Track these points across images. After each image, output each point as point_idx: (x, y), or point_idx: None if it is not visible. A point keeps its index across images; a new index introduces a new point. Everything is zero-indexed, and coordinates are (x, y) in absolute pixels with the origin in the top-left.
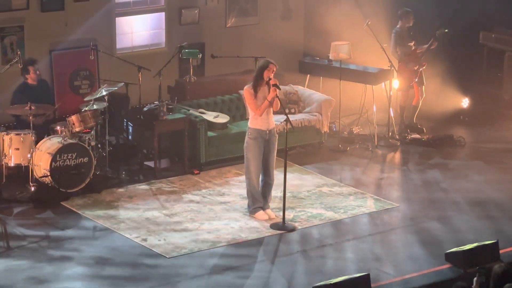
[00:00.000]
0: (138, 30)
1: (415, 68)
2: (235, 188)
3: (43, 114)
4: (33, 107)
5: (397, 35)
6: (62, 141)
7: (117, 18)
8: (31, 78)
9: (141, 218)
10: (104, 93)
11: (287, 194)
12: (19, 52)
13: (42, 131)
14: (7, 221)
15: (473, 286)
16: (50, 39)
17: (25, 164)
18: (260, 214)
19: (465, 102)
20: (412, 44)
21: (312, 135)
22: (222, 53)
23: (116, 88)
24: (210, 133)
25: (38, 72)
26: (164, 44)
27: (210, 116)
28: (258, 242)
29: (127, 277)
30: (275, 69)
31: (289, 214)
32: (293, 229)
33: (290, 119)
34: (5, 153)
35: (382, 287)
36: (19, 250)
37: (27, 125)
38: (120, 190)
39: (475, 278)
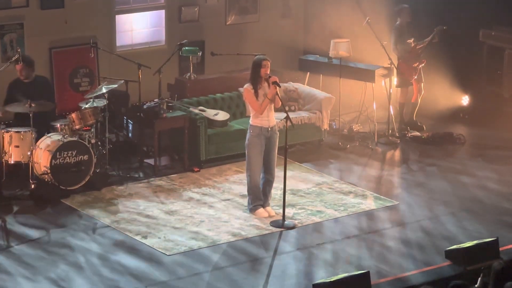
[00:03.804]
0: (138, 27)
1: (415, 65)
2: (235, 185)
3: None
4: (33, 104)
5: (397, 32)
6: (62, 138)
7: (117, 16)
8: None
9: (141, 216)
10: (104, 90)
11: (287, 192)
12: (19, 50)
13: (42, 129)
14: (7, 219)
15: (476, 286)
16: (50, 37)
17: (25, 162)
18: (260, 211)
19: (465, 100)
20: (411, 41)
21: (312, 132)
22: (222, 51)
23: (116, 86)
24: (210, 131)
25: (22, 73)
26: (164, 42)
27: (210, 113)
28: (258, 240)
29: (127, 274)
30: (269, 64)
31: (289, 212)
32: (293, 227)
33: (290, 116)
34: (5, 151)
35: (382, 284)
36: (19, 248)
37: (23, 122)
38: (120, 187)
39: (479, 278)
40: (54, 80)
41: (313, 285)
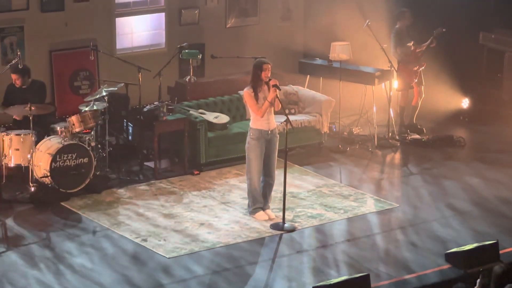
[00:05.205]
0: (138, 30)
1: (415, 68)
2: (235, 188)
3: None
4: (33, 108)
5: (397, 35)
6: (62, 141)
7: (117, 19)
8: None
9: (141, 219)
10: (104, 93)
11: (287, 195)
12: (19, 53)
13: (42, 132)
14: (7, 222)
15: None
16: (50, 40)
17: (25, 165)
18: (260, 214)
19: (465, 103)
20: (411, 44)
21: (312, 135)
22: (222, 54)
23: (116, 89)
24: (210, 134)
25: (17, 82)
26: (164, 45)
27: (210, 116)
28: (258, 243)
29: (127, 277)
30: (270, 67)
31: (289, 215)
32: (293, 230)
33: (290, 119)
34: (5, 154)
35: (382, 287)
36: (19, 251)
37: (23, 125)
38: (120, 190)
39: (478, 280)
40: (54, 83)
41: (313, 287)
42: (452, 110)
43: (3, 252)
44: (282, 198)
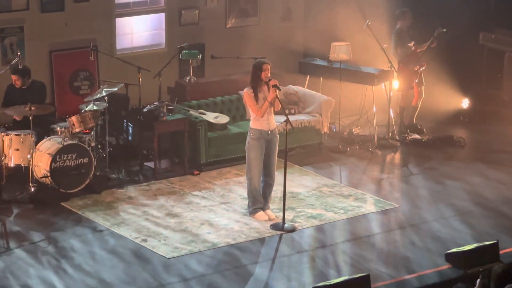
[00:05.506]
0: (138, 30)
1: (415, 68)
2: (235, 188)
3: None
4: (33, 108)
5: (397, 35)
6: (62, 141)
7: (117, 19)
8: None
9: (141, 219)
10: (104, 93)
11: (287, 195)
12: (19, 53)
13: (42, 132)
14: (7, 222)
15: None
16: (50, 40)
17: (25, 165)
18: (260, 214)
19: (465, 103)
20: (411, 44)
21: (312, 135)
22: (222, 54)
23: (116, 89)
24: (210, 134)
25: (17, 83)
26: (164, 45)
27: (210, 116)
28: (258, 243)
29: (127, 277)
30: (269, 68)
31: (289, 215)
32: (293, 230)
33: (290, 119)
34: (5, 154)
35: (382, 287)
36: (19, 251)
37: (23, 125)
38: (120, 190)
39: (478, 280)
40: (54, 83)
41: (313, 287)
42: (452, 110)
43: (3, 252)
44: (282, 198)
